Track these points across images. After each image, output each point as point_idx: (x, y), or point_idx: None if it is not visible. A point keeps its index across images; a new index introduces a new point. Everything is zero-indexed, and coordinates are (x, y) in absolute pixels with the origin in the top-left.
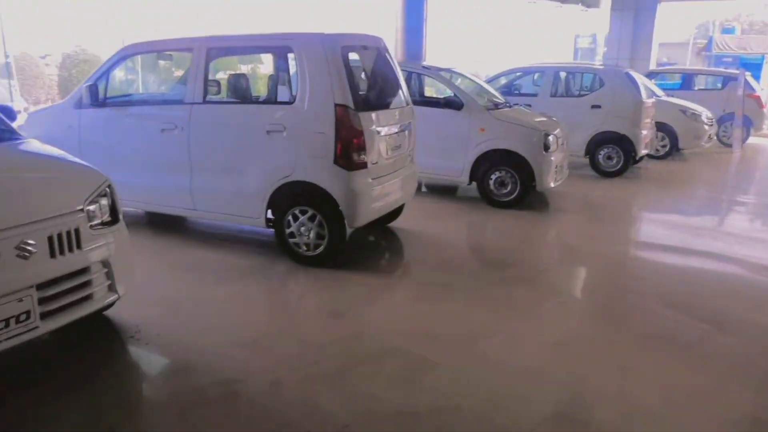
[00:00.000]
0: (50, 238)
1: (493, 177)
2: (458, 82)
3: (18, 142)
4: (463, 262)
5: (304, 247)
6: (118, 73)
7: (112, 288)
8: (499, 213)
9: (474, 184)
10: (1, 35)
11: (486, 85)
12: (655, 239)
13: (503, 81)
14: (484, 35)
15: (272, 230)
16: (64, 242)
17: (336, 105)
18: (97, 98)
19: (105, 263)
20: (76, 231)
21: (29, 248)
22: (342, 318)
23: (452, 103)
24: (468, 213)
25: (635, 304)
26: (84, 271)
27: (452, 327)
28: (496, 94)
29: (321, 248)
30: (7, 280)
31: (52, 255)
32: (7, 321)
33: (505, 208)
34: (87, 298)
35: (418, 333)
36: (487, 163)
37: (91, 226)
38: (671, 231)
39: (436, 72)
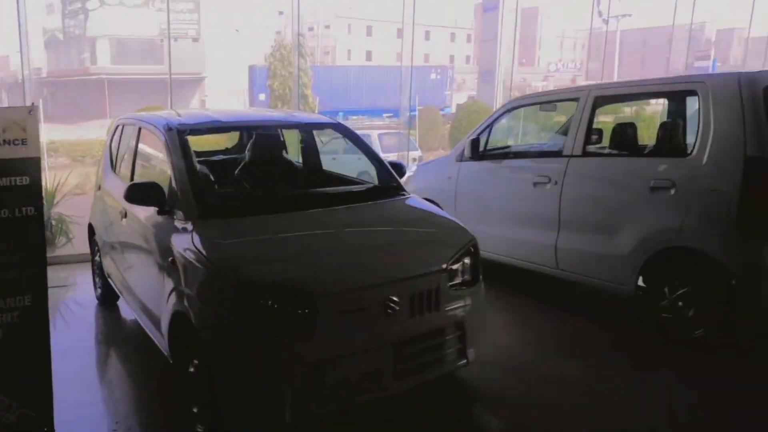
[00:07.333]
0: (412, 297)
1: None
2: None
3: (401, 198)
4: None
5: (681, 326)
6: (500, 125)
7: (462, 353)
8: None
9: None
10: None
11: None
12: None
13: None
14: None
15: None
16: (424, 302)
17: (748, 157)
18: (477, 151)
19: (459, 325)
20: (437, 290)
21: (393, 306)
22: None
23: None
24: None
25: None
26: (439, 332)
27: None
28: None
29: (700, 330)
30: (371, 336)
31: (412, 314)
32: (362, 377)
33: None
34: (438, 360)
35: None
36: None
37: (450, 286)
38: None
39: None
